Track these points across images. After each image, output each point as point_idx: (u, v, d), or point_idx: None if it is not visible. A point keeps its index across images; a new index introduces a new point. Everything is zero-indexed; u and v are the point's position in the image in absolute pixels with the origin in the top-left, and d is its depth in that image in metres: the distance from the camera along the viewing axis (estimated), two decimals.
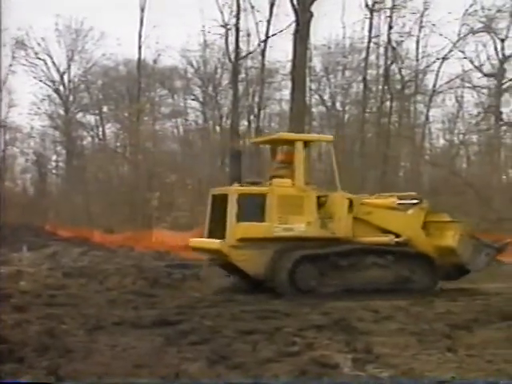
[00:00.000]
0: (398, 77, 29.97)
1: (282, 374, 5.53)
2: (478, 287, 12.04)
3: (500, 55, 29.09)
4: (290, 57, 25.04)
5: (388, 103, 29.15)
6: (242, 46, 29.44)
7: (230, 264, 11.24)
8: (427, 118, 31.22)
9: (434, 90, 30.55)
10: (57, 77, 43.20)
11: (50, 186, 46.44)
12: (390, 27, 28.11)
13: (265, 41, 29.29)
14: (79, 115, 43.88)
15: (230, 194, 10.93)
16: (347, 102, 33.19)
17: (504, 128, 28.43)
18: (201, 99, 38.17)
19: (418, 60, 30.19)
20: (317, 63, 33.07)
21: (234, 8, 28.45)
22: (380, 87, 29.38)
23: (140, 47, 35.50)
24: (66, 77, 43.26)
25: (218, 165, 33.76)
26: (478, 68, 29.30)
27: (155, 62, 37.85)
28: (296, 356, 6.19)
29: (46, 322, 7.78)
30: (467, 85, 30.05)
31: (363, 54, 29.76)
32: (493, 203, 22.76)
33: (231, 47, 29.56)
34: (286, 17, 26.16)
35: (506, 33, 28.60)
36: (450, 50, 28.92)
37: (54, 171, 47.68)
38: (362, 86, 29.71)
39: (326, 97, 33.67)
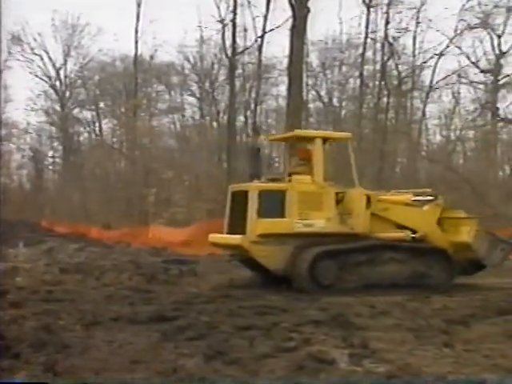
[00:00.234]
0: (394, 73, 30.03)
1: (279, 369, 5.52)
2: (476, 282, 12.06)
3: (497, 51, 29.22)
4: (287, 52, 24.93)
5: (385, 99, 29.19)
6: (238, 41, 29.44)
7: (250, 259, 11.31)
8: (424, 113, 31.32)
9: (431, 86, 30.58)
10: (53, 72, 43.27)
11: (46, 182, 46.50)
12: (387, 23, 28.19)
13: (262, 36, 29.23)
14: (76, 111, 43.99)
15: (251, 191, 11.01)
16: (344, 97, 33.22)
17: (500, 124, 28.48)
18: (198, 95, 38.20)
19: (414, 56, 30.32)
20: (314, 59, 33.09)
21: (231, 3, 28.52)
22: (377, 83, 29.42)
23: (137, 43, 35.50)
24: (62, 72, 43.34)
25: (215, 161, 33.76)
26: (475, 64, 29.33)
27: (152, 57, 37.83)
28: (293, 351, 6.16)
29: (43, 317, 7.73)
30: (464, 81, 30.12)
31: (360, 50, 29.84)
32: (489, 199, 22.81)
33: (228, 43, 29.55)
34: (282, 12, 26.13)
35: (503, 28, 28.75)
36: (447, 46, 29.08)
37: (50, 167, 47.78)
38: (358, 81, 29.81)
39: (322, 92, 33.71)
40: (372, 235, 11.46)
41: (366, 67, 29.42)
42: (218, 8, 29.41)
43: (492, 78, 29.17)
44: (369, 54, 29.52)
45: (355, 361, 5.85)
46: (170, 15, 51.00)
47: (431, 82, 30.48)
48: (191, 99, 39.04)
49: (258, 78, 31.03)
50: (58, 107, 43.71)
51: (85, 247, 19.41)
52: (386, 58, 28.90)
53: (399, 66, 29.90)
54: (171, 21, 51.15)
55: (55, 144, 45.63)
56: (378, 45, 29.15)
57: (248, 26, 29.69)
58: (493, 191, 24.54)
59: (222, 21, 29.28)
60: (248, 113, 32.31)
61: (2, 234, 21.60)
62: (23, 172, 47.23)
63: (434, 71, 30.14)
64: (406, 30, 28.88)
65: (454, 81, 30.28)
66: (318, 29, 44.12)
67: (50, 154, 46.77)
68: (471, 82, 29.84)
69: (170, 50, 64.69)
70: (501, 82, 28.68)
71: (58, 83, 43.46)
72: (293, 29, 23.64)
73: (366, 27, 28.45)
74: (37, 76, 42.82)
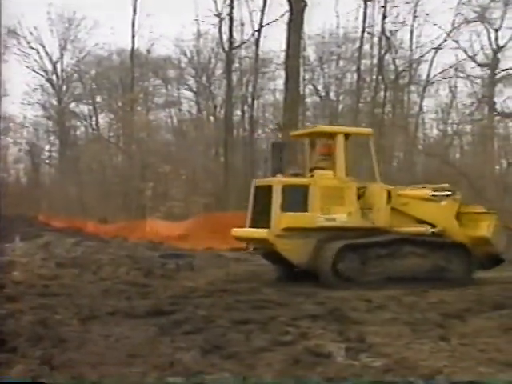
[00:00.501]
0: (391, 67, 29.94)
1: (276, 363, 5.51)
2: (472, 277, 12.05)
3: (494, 45, 29.12)
4: (284, 46, 24.90)
5: (382, 93, 29.08)
6: (235, 35, 29.40)
7: (273, 253, 11.47)
8: (421, 107, 31.34)
9: (428, 80, 30.63)
10: (50, 66, 43.13)
11: (43, 176, 46.47)
12: (384, 17, 27.99)
13: (258, 30, 29.21)
14: (72, 105, 43.89)
15: (275, 185, 11.19)
16: (341, 91, 33.19)
17: (497, 118, 28.44)
18: (194, 89, 38.09)
19: (411, 50, 30.29)
20: (311, 53, 33.06)
21: None
22: (374, 77, 29.31)
23: (133, 36, 35.47)
24: (58, 66, 43.24)
25: (211, 155, 33.74)
26: (472, 58, 29.28)
27: (149, 51, 37.80)
28: (290, 345, 6.17)
29: (40, 312, 7.70)
30: (461, 75, 30.08)
31: (357, 44, 29.78)
32: (486, 193, 22.81)
33: (225, 37, 29.51)
34: (279, 6, 26.08)
35: (500, 22, 28.65)
36: (444, 40, 28.99)
37: (47, 161, 47.71)
38: (355, 75, 29.70)
39: (319, 87, 33.68)
40: (392, 229, 11.62)
41: (363, 61, 29.30)
42: (215, 2, 29.41)
43: (489, 72, 29.13)
44: (366, 48, 29.42)
45: (352, 355, 5.86)
46: (167, 9, 50.81)
47: (428, 76, 30.61)
48: (188, 93, 39.04)
49: (255, 72, 30.98)
50: (54, 101, 43.67)
51: (81, 241, 19.36)
52: (383, 52, 28.76)
53: (396, 60, 29.84)
54: (168, 15, 50.95)
55: (52, 138, 45.64)
56: (375, 39, 29.01)
57: (245, 20, 29.79)
58: (490, 185, 24.52)
59: (218, 15, 29.25)
60: (245, 107, 32.27)
61: None
62: (20, 166, 47.19)
63: (431, 65, 30.25)
64: (403, 24, 28.85)
65: (451, 75, 30.33)
66: (315, 23, 44.08)
67: (47, 148, 46.81)
68: (468, 76, 29.79)
69: (167, 43, 64.60)
70: (498, 76, 28.59)
71: (54, 77, 43.42)
72: (290, 23, 23.56)
73: (363, 21, 28.34)
74: (33, 70, 42.77)
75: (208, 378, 5.08)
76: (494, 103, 27.90)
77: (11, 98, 58.46)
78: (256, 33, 29.35)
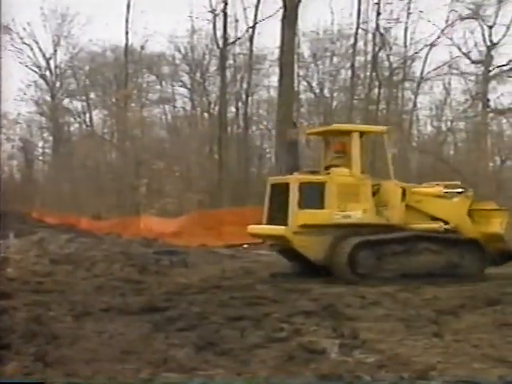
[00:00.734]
0: (385, 63, 30.01)
1: (270, 359, 5.51)
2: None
3: (488, 42, 29.19)
4: (278, 43, 24.92)
5: (376, 90, 29.14)
6: (229, 32, 29.40)
7: (290, 250, 11.61)
8: (415, 104, 31.44)
9: (422, 77, 30.63)
10: (43, 62, 42.86)
11: (36, 172, 46.18)
12: (378, 13, 28.06)
13: (253, 27, 29.24)
14: (66, 101, 43.59)
15: (292, 183, 11.35)
16: (335, 88, 33.20)
17: (491, 115, 28.51)
18: (189, 86, 37.96)
19: (406, 47, 30.33)
20: (305, 49, 33.06)
21: None
22: (368, 74, 29.34)
23: (127, 33, 35.29)
24: (52, 62, 42.93)
25: (206, 152, 33.68)
26: (466, 55, 29.36)
27: (143, 47, 37.61)
28: (284, 342, 6.17)
29: (33, 308, 7.68)
30: (455, 72, 30.14)
31: (351, 41, 29.84)
32: (479, 190, 22.86)
33: (219, 33, 29.49)
34: (273, 3, 26.09)
35: (494, 19, 28.73)
36: (438, 37, 29.08)
37: (40, 158, 47.40)
38: (349, 72, 29.72)
39: (314, 83, 33.69)
40: (407, 226, 11.75)
41: (357, 58, 29.38)
42: None
43: (483, 69, 29.19)
44: (360, 44, 29.51)
45: (345, 351, 5.86)
46: (161, 5, 50.60)
47: (422, 72, 30.59)
48: (182, 90, 38.86)
49: (249, 68, 30.98)
50: (48, 97, 43.39)
51: (75, 238, 18.96)
52: (377, 48, 28.84)
53: (390, 57, 29.93)
54: (162, 11, 50.78)
55: (45, 134, 45.31)
56: (370, 35, 29.12)
57: (239, 16, 29.84)
58: (483, 182, 24.58)
59: (213, 11, 29.20)
60: (239, 104, 32.25)
61: None
62: (13, 163, 46.95)
63: (425, 62, 30.26)
64: (398, 20, 28.98)
65: (445, 72, 30.38)
66: (309, 19, 43.79)
67: (40, 144, 46.46)
68: (462, 73, 29.89)
69: (161, 40, 64.29)
70: (492, 73, 28.70)
71: (48, 73, 43.12)
72: (284, 19, 23.59)
73: (358, 18, 28.44)
74: (26, 66, 42.45)
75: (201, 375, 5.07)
76: (488, 100, 28.01)
77: (4, 94, 58.26)
78: (250, 29, 29.46)
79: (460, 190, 12.33)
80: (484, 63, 29.08)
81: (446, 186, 12.36)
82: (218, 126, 29.02)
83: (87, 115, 42.79)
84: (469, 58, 29.35)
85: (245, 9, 29.21)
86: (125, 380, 4.97)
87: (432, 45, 29.13)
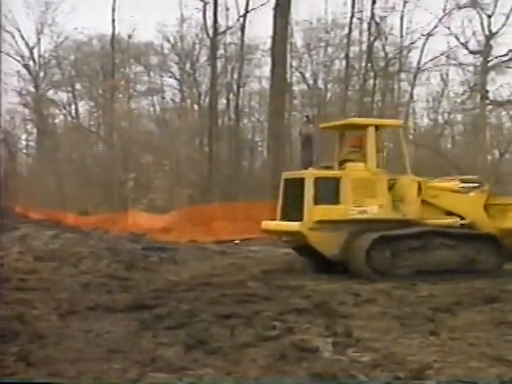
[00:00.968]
0: (381, 54, 29.75)
1: (261, 358, 5.43)
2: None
3: (486, 31, 28.87)
4: (271, 32, 24.55)
5: (371, 81, 28.88)
6: (220, 20, 29.02)
7: (305, 246, 11.66)
8: (411, 96, 31.09)
9: (419, 68, 30.34)
10: (26, 51, 41.80)
11: (20, 166, 45.63)
12: (374, 2, 27.68)
13: (244, 15, 28.96)
14: (50, 92, 42.83)
15: (307, 178, 11.39)
16: (329, 79, 32.91)
17: (490, 107, 28.10)
18: (178, 76, 37.50)
19: (402, 36, 30.15)
20: (298, 39, 32.78)
21: None
22: (363, 64, 29.01)
23: (113, 21, 34.56)
24: (35, 51, 41.89)
25: (196, 145, 33.16)
26: (464, 45, 29.11)
27: (130, 36, 36.95)
28: (275, 340, 6.12)
29: (16, 306, 7.60)
30: (453, 62, 29.84)
31: (346, 30, 29.48)
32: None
33: (209, 22, 29.08)
34: None
35: (493, 8, 28.32)
36: (435, 26, 28.86)
37: (24, 151, 46.84)
38: (344, 63, 29.30)
39: (307, 74, 33.40)
40: (423, 221, 11.82)
41: (351, 48, 29.15)
42: None
43: (481, 59, 28.76)
44: (355, 34, 29.24)
45: (339, 350, 5.84)
46: None
47: (419, 63, 30.31)
48: (171, 81, 38.38)
49: (240, 59, 30.61)
50: (31, 88, 42.43)
51: (60, 234, 18.98)
52: (372, 38, 28.46)
53: (386, 47, 29.60)
54: None
55: (29, 126, 44.62)
56: (365, 25, 28.78)
57: (230, 4, 29.77)
58: (481, 176, 24.01)
59: None
60: (230, 95, 31.77)
61: None
62: None
63: (421, 52, 29.95)
64: (393, 9, 28.64)
65: (442, 62, 30.17)
66: (302, 8, 43.45)
67: (24, 137, 45.84)
68: (460, 63, 29.64)
69: (149, 29, 63.77)
70: (490, 64, 28.32)
71: (31, 63, 42.12)
72: (276, 8, 23.30)
73: (352, 6, 27.94)
74: (8, 55, 41.30)
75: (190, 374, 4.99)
76: (487, 91, 27.60)
77: None
78: (241, 18, 29.17)
79: (476, 184, 12.31)
80: (483, 53, 28.76)
81: (461, 181, 12.39)
82: (209, 118, 28.55)
83: (73, 107, 42.16)
84: (467, 48, 29.14)
85: None
86: (111, 380, 4.92)
87: (429, 34, 28.99)
